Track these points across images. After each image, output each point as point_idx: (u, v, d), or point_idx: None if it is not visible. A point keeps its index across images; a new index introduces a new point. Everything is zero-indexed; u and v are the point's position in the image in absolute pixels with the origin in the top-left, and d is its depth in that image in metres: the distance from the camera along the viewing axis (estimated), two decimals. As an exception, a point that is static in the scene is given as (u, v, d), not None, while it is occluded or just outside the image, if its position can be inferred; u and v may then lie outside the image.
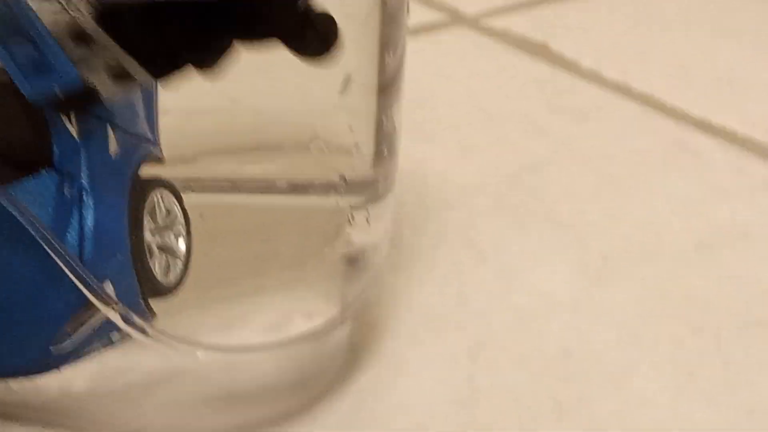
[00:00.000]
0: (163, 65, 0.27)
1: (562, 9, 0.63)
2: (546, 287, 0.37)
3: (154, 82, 0.29)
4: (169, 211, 0.31)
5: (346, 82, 0.31)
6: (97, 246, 0.28)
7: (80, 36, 0.26)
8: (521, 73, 0.54)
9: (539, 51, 0.56)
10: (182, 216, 0.32)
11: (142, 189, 0.30)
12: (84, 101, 0.27)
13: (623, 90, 0.52)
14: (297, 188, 0.35)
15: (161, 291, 0.30)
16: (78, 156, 0.28)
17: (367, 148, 0.32)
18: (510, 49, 0.57)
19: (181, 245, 0.32)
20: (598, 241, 0.40)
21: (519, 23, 0.60)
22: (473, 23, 0.60)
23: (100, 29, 0.26)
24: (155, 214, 0.31)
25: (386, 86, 0.31)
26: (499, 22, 0.60)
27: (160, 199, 0.31)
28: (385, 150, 0.32)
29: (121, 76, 0.27)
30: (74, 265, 0.27)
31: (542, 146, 0.47)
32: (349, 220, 0.32)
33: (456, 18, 0.61)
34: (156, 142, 0.31)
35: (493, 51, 0.57)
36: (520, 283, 0.38)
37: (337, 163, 0.32)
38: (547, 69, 0.55)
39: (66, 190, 0.28)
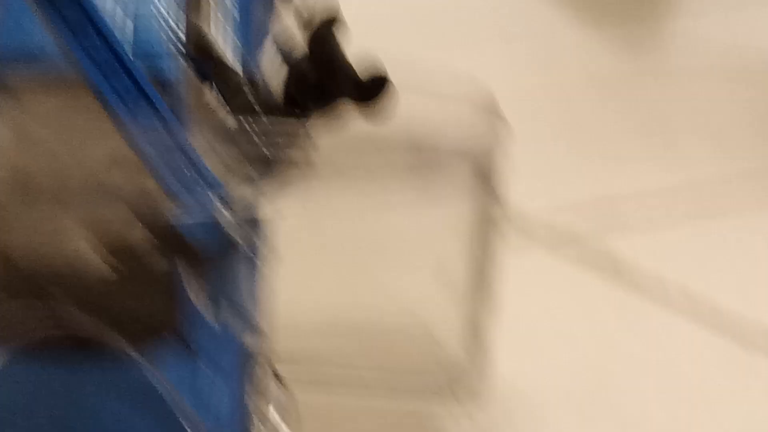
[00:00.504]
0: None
1: (635, 237, 0.65)
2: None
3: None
4: (273, 393, 0.34)
5: (454, 286, 0.34)
6: (215, 416, 0.31)
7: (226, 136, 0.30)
8: (593, 291, 0.57)
9: (610, 272, 0.59)
10: (285, 399, 0.34)
11: (253, 369, 0.33)
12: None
13: (693, 314, 0.55)
14: (402, 389, 0.37)
15: None
16: (202, 333, 0.31)
17: (467, 348, 0.35)
18: (580, 269, 0.60)
19: (281, 425, 0.34)
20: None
21: (588, 245, 0.63)
22: (545, 243, 0.63)
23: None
24: (259, 384, 0.33)
25: (481, 290, 0.34)
26: (569, 244, 0.63)
27: (267, 381, 0.34)
28: (478, 348, 0.35)
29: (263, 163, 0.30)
30: (200, 429, 0.30)
31: (612, 359, 0.49)
32: (442, 414, 0.35)
33: (530, 237, 0.64)
34: (265, 331, 0.35)
35: (565, 271, 0.60)
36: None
37: (442, 364, 0.35)
38: (618, 290, 0.57)
39: (191, 363, 0.31)
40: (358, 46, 0.32)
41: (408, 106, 0.36)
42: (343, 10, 0.33)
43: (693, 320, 0.54)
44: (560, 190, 0.68)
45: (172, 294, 0.30)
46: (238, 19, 0.33)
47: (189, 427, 0.30)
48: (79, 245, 0.31)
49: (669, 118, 0.78)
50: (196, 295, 0.30)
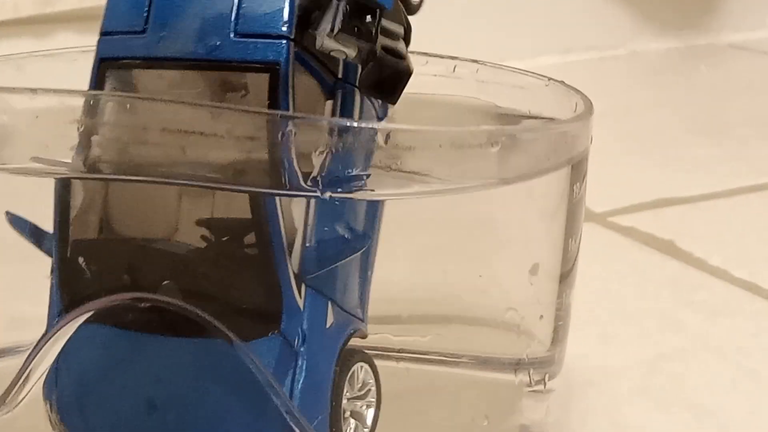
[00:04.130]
0: None
1: (687, 209, 0.66)
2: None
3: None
4: (365, 383, 0.34)
5: (536, 268, 0.34)
6: (303, 405, 0.31)
7: None
8: (651, 268, 0.57)
9: (667, 248, 0.59)
10: (376, 390, 0.35)
11: (347, 360, 0.33)
12: None
13: (752, 288, 0.55)
14: (481, 361, 0.38)
15: None
16: (300, 325, 0.31)
17: (547, 328, 0.35)
18: (638, 246, 0.60)
19: (370, 416, 0.34)
20: (740, 430, 0.42)
21: (645, 222, 0.63)
22: (601, 220, 0.63)
23: None
24: (353, 383, 0.34)
25: (567, 273, 0.35)
26: (625, 221, 0.63)
27: (359, 370, 0.34)
28: (561, 331, 0.35)
29: None
30: (294, 413, 0.31)
31: (677, 338, 0.50)
32: (527, 395, 0.35)
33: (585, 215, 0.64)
34: (365, 320, 0.35)
35: (621, 247, 0.60)
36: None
37: (522, 340, 0.35)
38: (675, 265, 0.57)
39: (286, 353, 0.31)
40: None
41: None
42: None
43: (755, 297, 0.54)
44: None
45: (278, 293, 0.31)
46: None
47: (284, 411, 0.30)
48: (177, 218, 0.31)
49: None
50: None
